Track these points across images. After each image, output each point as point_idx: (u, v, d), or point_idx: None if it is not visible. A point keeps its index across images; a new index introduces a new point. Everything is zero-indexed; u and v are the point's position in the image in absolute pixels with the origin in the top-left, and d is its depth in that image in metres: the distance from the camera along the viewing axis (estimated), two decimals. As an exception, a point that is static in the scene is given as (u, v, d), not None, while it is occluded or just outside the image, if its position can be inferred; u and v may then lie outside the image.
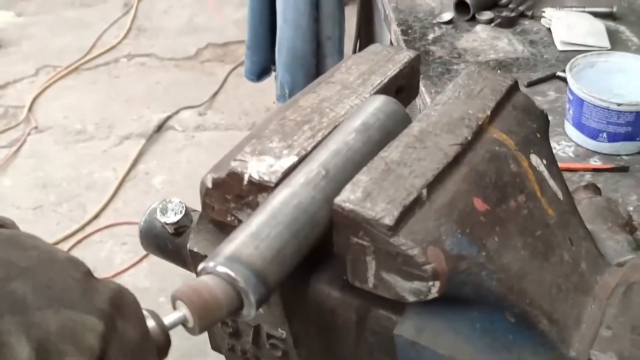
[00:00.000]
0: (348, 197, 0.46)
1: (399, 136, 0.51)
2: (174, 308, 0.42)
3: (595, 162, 1.05)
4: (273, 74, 2.39)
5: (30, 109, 3.04)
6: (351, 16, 2.31)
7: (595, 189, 0.84)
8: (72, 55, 3.39)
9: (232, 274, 0.42)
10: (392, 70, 0.58)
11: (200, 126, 2.96)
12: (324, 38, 2.14)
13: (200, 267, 0.43)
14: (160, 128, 2.92)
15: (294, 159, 0.50)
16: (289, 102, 0.56)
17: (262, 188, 0.49)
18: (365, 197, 0.46)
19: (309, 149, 0.51)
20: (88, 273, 0.38)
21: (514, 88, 0.57)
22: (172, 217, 0.65)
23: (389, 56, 0.60)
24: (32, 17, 3.81)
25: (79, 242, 2.38)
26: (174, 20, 3.75)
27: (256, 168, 0.49)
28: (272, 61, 2.33)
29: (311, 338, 0.57)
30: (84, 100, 3.11)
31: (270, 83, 2.44)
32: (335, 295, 0.53)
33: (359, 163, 0.49)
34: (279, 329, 0.58)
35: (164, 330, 0.41)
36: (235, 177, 0.50)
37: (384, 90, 0.57)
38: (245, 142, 0.52)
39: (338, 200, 0.46)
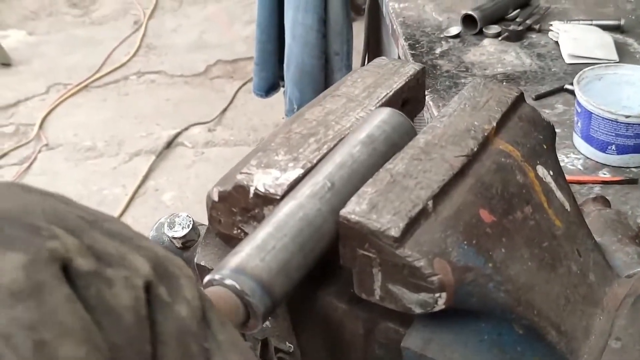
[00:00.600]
0: (354, 209, 0.46)
1: (405, 148, 0.51)
2: None
3: (604, 175, 1.05)
4: (281, 89, 2.40)
5: (40, 127, 3.07)
6: (359, 32, 2.32)
7: (604, 201, 0.83)
8: (82, 73, 3.43)
9: (238, 286, 0.42)
10: (397, 83, 0.59)
11: (209, 142, 2.97)
12: (332, 53, 2.15)
13: (206, 279, 0.43)
14: (169, 144, 2.94)
15: (299, 171, 0.50)
16: (295, 115, 0.57)
17: (268, 201, 0.49)
18: (371, 209, 0.46)
19: (315, 161, 0.51)
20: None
21: (519, 99, 0.57)
22: (179, 232, 0.65)
23: (395, 69, 0.60)
24: (44, 35, 3.85)
25: (89, 258, 2.38)
26: (184, 37, 3.78)
27: (262, 181, 0.49)
28: (281, 77, 2.35)
29: (319, 351, 0.57)
30: (94, 118, 3.13)
31: (279, 99, 2.45)
32: (343, 308, 0.53)
33: (365, 175, 0.49)
34: (287, 342, 0.57)
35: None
36: (241, 190, 0.50)
37: (389, 103, 0.57)
38: (251, 155, 0.53)
39: (344, 212, 0.46)
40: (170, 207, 2.60)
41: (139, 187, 2.70)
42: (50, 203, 0.31)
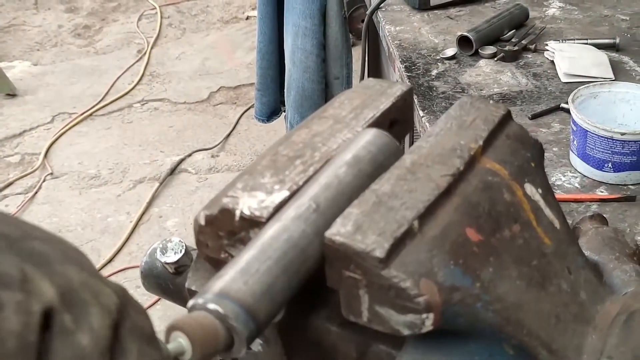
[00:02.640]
0: (339, 230, 0.46)
1: (391, 168, 0.51)
2: (167, 341, 0.41)
3: (602, 193, 1.04)
4: (283, 114, 2.41)
5: (45, 156, 3.09)
6: (360, 56, 2.33)
7: (601, 219, 0.83)
8: (86, 102, 3.46)
9: (221, 310, 0.42)
10: (384, 103, 0.59)
11: (212, 168, 2.98)
12: (331, 78, 2.16)
13: (189, 304, 0.43)
14: (173, 171, 2.95)
15: (285, 193, 0.50)
16: (282, 138, 0.57)
17: (254, 224, 0.49)
18: (355, 230, 0.46)
19: (301, 183, 0.51)
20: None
21: (506, 118, 0.57)
22: (172, 257, 0.65)
23: (382, 90, 0.60)
24: (49, 66, 3.89)
25: (93, 286, 2.38)
26: (187, 65, 3.81)
27: (247, 204, 0.49)
28: (282, 102, 2.36)
29: (311, 375, 0.57)
30: (98, 146, 3.15)
31: (281, 124, 2.46)
32: (335, 331, 0.53)
33: (350, 196, 0.49)
34: (279, 367, 0.57)
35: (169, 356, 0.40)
36: (226, 213, 0.50)
37: (376, 123, 0.57)
38: (238, 178, 0.53)
39: (328, 233, 0.46)
40: (174, 233, 2.61)
41: (143, 214, 2.71)
42: None
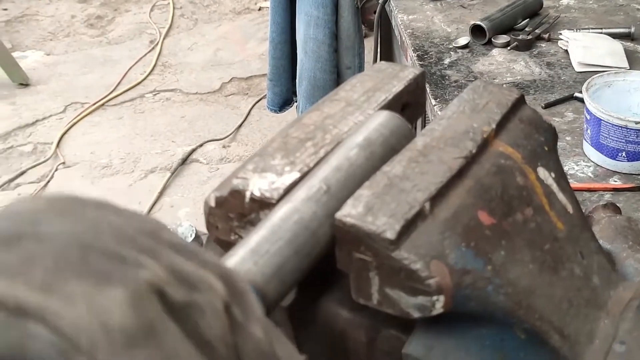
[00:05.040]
0: (349, 212, 0.45)
1: (402, 151, 0.50)
2: None
3: (615, 182, 1.03)
4: (295, 104, 2.40)
5: (58, 145, 3.10)
6: (372, 47, 2.32)
7: (615, 208, 0.82)
8: (99, 92, 3.47)
9: (230, 289, 0.42)
10: (396, 87, 0.58)
11: (224, 158, 2.99)
12: (343, 68, 2.15)
13: (199, 283, 0.43)
14: (184, 161, 2.95)
15: (295, 175, 0.49)
16: (293, 120, 0.56)
17: (264, 205, 0.48)
18: (366, 212, 0.45)
19: (312, 165, 0.50)
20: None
21: (520, 102, 0.56)
22: (182, 241, 0.65)
23: (394, 73, 0.60)
24: (61, 56, 3.90)
25: (105, 275, 2.39)
26: (199, 55, 3.81)
27: (257, 185, 0.49)
28: (294, 92, 2.35)
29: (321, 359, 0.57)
30: (110, 136, 3.16)
31: (293, 115, 2.46)
32: (345, 316, 0.53)
33: (361, 178, 0.49)
34: (289, 351, 0.57)
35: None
36: (237, 194, 0.49)
37: (388, 107, 0.57)
38: (248, 160, 0.52)
39: (339, 215, 0.45)
40: (186, 223, 2.61)
41: (155, 203, 2.71)
42: (108, 219, 0.28)
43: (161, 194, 2.76)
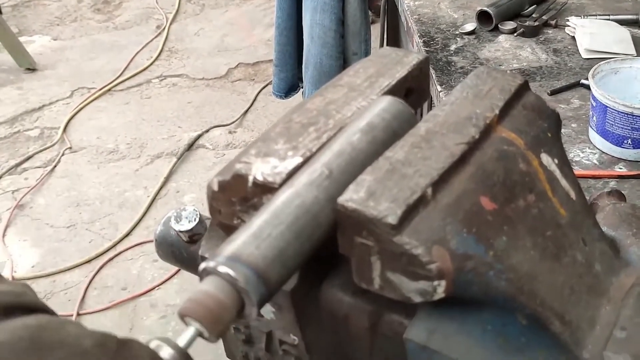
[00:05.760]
0: (351, 197, 0.45)
1: (405, 136, 0.50)
2: (186, 325, 0.42)
3: (620, 169, 1.03)
4: (300, 90, 2.40)
5: (64, 130, 3.11)
6: (378, 34, 2.31)
7: (619, 195, 0.82)
8: (105, 77, 3.47)
9: (232, 273, 0.42)
10: (400, 72, 0.58)
11: (230, 144, 2.99)
12: (350, 54, 2.15)
13: (201, 267, 0.43)
14: (190, 146, 2.95)
15: (298, 160, 0.50)
16: (296, 106, 0.56)
17: (267, 189, 0.49)
18: (368, 197, 0.45)
19: (314, 150, 0.50)
20: (119, 345, 0.38)
21: (523, 88, 0.56)
22: (185, 225, 0.65)
23: (398, 59, 0.60)
24: (68, 41, 3.90)
25: (111, 259, 2.41)
26: (205, 41, 3.81)
27: (260, 169, 0.49)
28: (300, 78, 2.35)
29: (324, 344, 0.57)
30: (117, 121, 3.16)
31: (298, 100, 2.46)
32: (347, 300, 0.53)
33: (364, 163, 0.48)
34: (291, 335, 0.57)
35: (183, 352, 0.41)
36: (239, 179, 0.50)
37: (392, 92, 0.57)
38: (251, 145, 0.52)
39: (341, 199, 0.45)
40: (191, 208, 2.61)
41: (161, 188, 2.72)
42: None
43: (167, 179, 2.77)
